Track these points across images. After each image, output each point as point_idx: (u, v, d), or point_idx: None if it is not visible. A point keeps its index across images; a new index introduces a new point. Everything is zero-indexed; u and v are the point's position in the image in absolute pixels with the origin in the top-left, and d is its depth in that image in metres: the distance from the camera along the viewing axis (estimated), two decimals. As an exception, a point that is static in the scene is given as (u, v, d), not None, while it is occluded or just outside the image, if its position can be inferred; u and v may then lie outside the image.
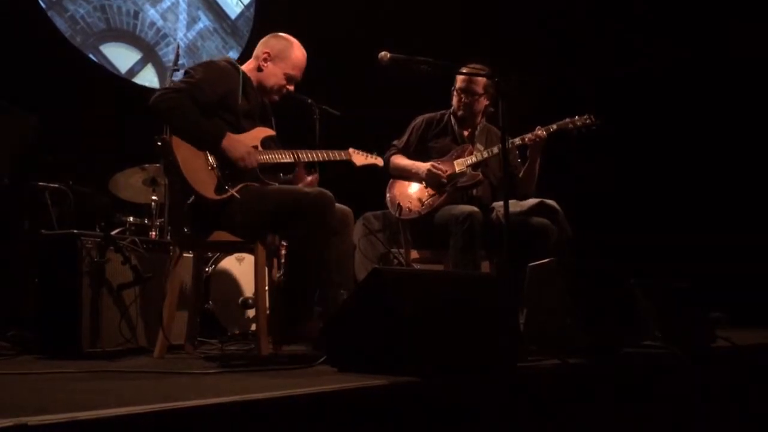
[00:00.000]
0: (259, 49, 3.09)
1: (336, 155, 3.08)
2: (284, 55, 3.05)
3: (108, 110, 4.98)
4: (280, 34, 3.13)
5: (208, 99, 2.79)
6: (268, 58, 3.05)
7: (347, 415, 1.58)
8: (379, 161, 3.27)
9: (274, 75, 3.04)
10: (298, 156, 2.98)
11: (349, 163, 3.13)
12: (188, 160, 2.72)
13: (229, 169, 2.76)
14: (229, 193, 2.72)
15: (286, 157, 2.97)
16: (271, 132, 3.03)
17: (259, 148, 2.90)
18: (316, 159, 3.03)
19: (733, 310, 4.24)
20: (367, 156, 3.20)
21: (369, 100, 5.48)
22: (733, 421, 2.59)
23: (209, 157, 2.76)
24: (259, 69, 3.04)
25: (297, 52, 3.08)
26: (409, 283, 2.07)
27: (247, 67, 3.06)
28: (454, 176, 3.50)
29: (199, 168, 2.73)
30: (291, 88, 3.11)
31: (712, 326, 2.98)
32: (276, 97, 3.09)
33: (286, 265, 2.89)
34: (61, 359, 2.62)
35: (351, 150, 3.14)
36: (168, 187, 3.33)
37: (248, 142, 2.85)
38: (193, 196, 2.71)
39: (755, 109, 5.39)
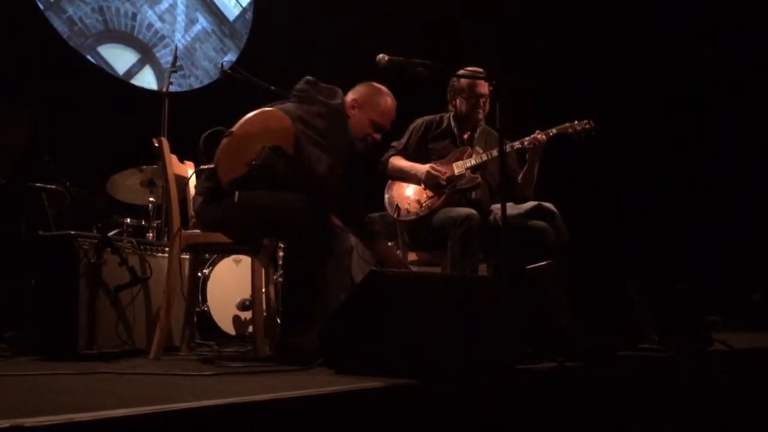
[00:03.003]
0: (348, 96, 3.01)
1: None
2: (372, 102, 2.99)
3: (106, 111, 4.98)
4: (372, 82, 3.05)
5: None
6: (356, 104, 2.98)
7: (344, 417, 1.58)
8: None
9: (359, 122, 2.96)
10: None
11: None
12: None
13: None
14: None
15: None
16: None
17: None
18: None
19: (729, 313, 4.25)
20: None
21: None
22: (729, 424, 2.59)
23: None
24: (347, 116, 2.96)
25: (386, 99, 3.01)
26: (407, 285, 2.07)
27: None
28: (453, 179, 3.50)
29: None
30: (377, 137, 3.04)
31: (708, 329, 2.98)
32: (360, 146, 2.99)
33: (284, 269, 2.86)
34: (57, 361, 2.62)
35: None
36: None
37: None
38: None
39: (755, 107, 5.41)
